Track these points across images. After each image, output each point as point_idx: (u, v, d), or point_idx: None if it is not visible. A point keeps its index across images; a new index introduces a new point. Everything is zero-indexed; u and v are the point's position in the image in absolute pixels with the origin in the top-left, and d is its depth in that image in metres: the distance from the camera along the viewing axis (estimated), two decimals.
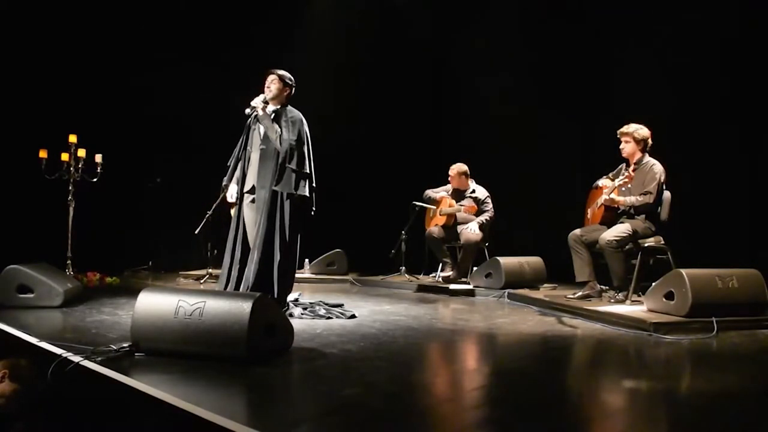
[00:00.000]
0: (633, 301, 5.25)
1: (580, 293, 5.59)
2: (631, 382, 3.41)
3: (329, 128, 8.47)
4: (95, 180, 7.07)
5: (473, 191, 7.38)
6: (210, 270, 7.43)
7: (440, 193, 7.52)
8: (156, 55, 8.26)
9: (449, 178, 7.43)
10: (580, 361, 4.06)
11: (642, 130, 5.47)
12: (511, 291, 6.43)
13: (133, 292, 4.57)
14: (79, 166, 7.00)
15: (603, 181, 5.66)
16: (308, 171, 5.02)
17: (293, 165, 4.91)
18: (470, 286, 6.87)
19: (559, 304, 5.52)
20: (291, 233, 4.94)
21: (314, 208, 5.15)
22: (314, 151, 5.13)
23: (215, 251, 7.47)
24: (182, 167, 8.25)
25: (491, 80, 8.63)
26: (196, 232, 6.96)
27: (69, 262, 6.91)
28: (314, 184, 5.11)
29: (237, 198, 5.16)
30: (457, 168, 7.38)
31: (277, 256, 4.89)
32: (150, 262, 8.30)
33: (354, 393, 2.86)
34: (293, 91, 5.19)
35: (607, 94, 7.56)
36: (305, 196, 4.99)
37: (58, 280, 5.12)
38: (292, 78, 5.17)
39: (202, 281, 7.28)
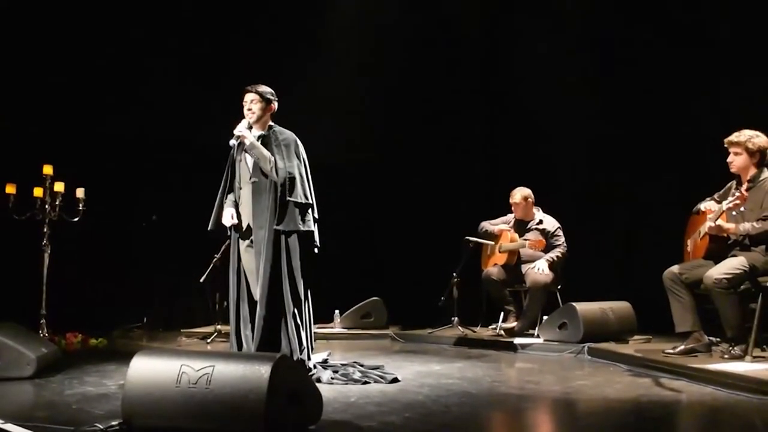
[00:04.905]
0: (755, 357, 5.15)
1: (682, 347, 5.50)
2: None
3: (360, 151, 8.49)
4: (76, 220, 7.11)
5: (540, 222, 7.35)
6: (219, 326, 7.44)
7: (499, 225, 7.50)
8: (148, 69, 8.35)
9: (512, 207, 7.38)
10: None
11: (758, 139, 5.37)
12: (592, 345, 6.40)
13: (124, 357, 4.62)
14: (56, 203, 7.04)
15: (707, 204, 5.59)
16: (311, 201, 5.17)
17: (295, 197, 5.05)
18: (540, 340, 6.85)
19: (655, 362, 5.47)
20: (303, 278, 5.07)
21: (318, 244, 5.26)
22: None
23: (225, 303, 7.45)
24: (183, 202, 8.23)
25: (556, 84, 8.61)
26: (201, 280, 6.96)
27: (43, 321, 6.91)
28: (317, 215, 5.24)
29: (230, 232, 5.28)
30: (520, 193, 7.36)
31: (290, 307, 4.98)
32: (144, 319, 8.31)
33: None
34: (276, 107, 5.31)
35: (710, 90, 7.43)
36: (311, 231, 5.13)
37: (29, 345, 5.12)
38: (273, 92, 5.30)
39: (209, 341, 7.30)
